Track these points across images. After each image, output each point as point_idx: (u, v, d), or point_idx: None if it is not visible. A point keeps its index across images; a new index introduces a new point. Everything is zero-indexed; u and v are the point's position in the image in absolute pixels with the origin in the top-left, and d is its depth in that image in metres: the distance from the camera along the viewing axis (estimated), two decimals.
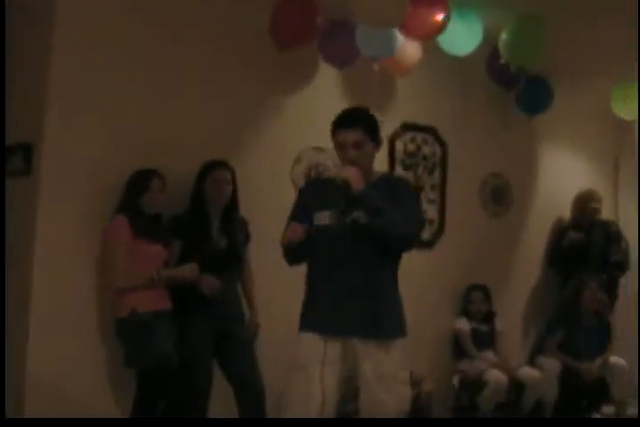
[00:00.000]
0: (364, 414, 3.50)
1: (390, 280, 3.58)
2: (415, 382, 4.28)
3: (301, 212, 3.64)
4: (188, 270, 4.29)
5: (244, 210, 4.68)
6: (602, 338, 6.16)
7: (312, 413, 3.37)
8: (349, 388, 3.55)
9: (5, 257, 4.21)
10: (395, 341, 3.50)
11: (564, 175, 6.94)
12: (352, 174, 3.43)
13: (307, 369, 3.43)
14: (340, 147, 3.54)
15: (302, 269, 4.64)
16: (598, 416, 6.13)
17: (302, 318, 3.59)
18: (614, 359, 5.99)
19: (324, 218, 3.52)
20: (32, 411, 4.11)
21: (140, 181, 4.29)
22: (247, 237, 4.71)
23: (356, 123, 3.52)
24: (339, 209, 3.46)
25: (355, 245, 3.47)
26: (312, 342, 3.48)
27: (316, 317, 3.51)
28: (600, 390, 6.01)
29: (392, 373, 3.46)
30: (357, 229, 3.46)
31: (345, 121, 3.54)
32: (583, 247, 6.49)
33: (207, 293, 4.34)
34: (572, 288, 6.26)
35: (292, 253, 3.59)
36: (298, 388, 3.47)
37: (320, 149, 5.22)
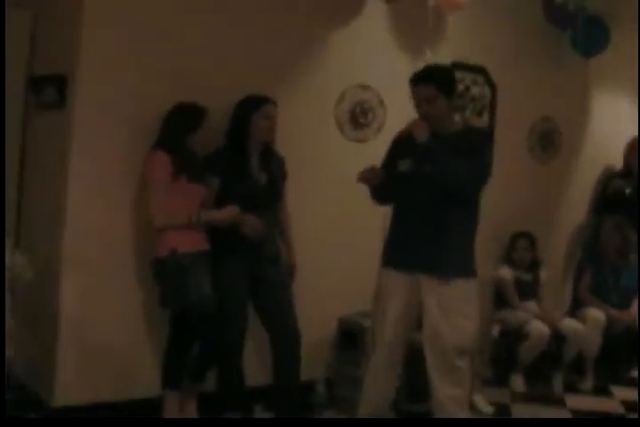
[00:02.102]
0: (426, 344, 3.87)
1: (459, 224, 3.85)
2: None
3: (389, 160, 4.04)
4: (230, 212, 4.10)
5: (283, 147, 4.49)
6: (631, 278, 5.97)
7: (386, 335, 3.94)
8: (413, 318, 3.98)
9: (39, 196, 4.08)
10: (456, 279, 3.80)
11: (617, 121, 6.68)
12: (415, 128, 3.76)
13: (382, 299, 3.99)
14: (415, 102, 3.86)
15: (337, 209, 4.49)
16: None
17: (383, 256, 4.05)
18: None
19: (403, 165, 3.92)
20: (65, 348, 4.07)
21: (193, 118, 4.10)
22: (284, 175, 4.53)
23: (427, 79, 3.80)
24: (412, 158, 3.85)
25: (425, 192, 3.81)
26: (387, 277, 3.98)
27: (391, 254, 4.00)
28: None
29: (454, 307, 3.79)
30: (423, 177, 3.80)
31: (417, 77, 3.84)
32: (625, 194, 6.28)
33: (249, 233, 4.15)
34: (594, 228, 6.16)
35: (374, 194, 4.06)
36: (375, 316, 4.10)
37: (365, 87, 5.05)
